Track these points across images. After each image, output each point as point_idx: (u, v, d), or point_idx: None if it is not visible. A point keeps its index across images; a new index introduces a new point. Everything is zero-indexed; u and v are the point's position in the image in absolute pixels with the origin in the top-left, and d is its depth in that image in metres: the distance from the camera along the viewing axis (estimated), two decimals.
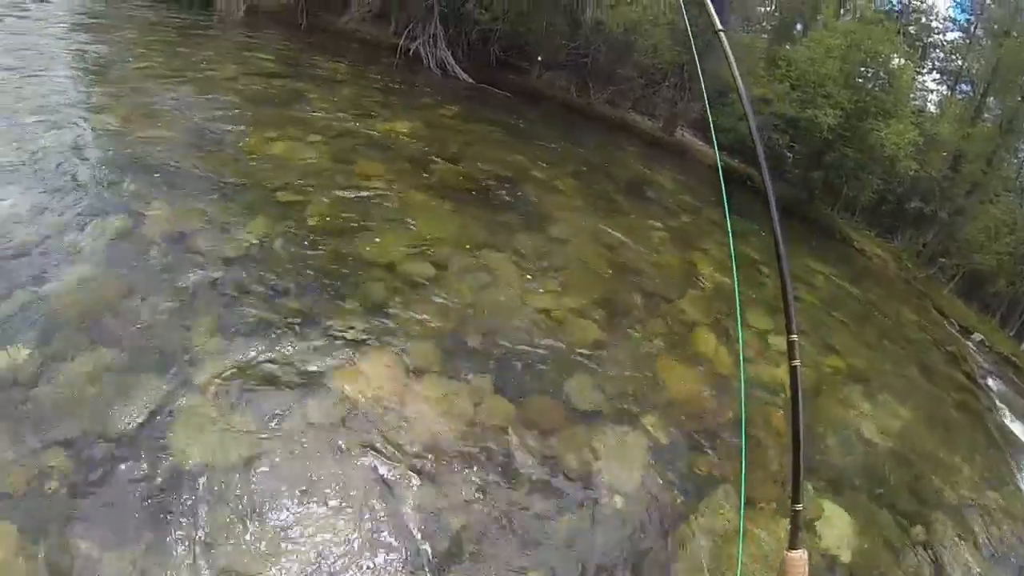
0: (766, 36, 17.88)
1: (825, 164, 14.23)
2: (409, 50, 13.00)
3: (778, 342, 6.70)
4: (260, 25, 12.83)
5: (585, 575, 3.12)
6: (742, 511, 3.27)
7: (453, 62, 13.27)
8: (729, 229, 1.72)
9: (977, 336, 14.41)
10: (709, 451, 4.11)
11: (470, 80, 13.27)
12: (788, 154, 13.59)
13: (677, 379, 4.99)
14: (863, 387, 6.82)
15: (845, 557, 4.19)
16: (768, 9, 19.03)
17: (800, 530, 1.28)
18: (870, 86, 13.69)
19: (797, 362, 1.33)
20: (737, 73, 1.49)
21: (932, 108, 18.91)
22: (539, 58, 14.52)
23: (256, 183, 5.44)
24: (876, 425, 6.10)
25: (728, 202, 1.73)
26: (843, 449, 5.44)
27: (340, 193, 5.79)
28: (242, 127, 6.52)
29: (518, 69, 14.82)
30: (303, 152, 6.35)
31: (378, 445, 3.31)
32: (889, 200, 17.46)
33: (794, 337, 1.35)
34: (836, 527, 4.38)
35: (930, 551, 4.80)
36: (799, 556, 1.23)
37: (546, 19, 13.97)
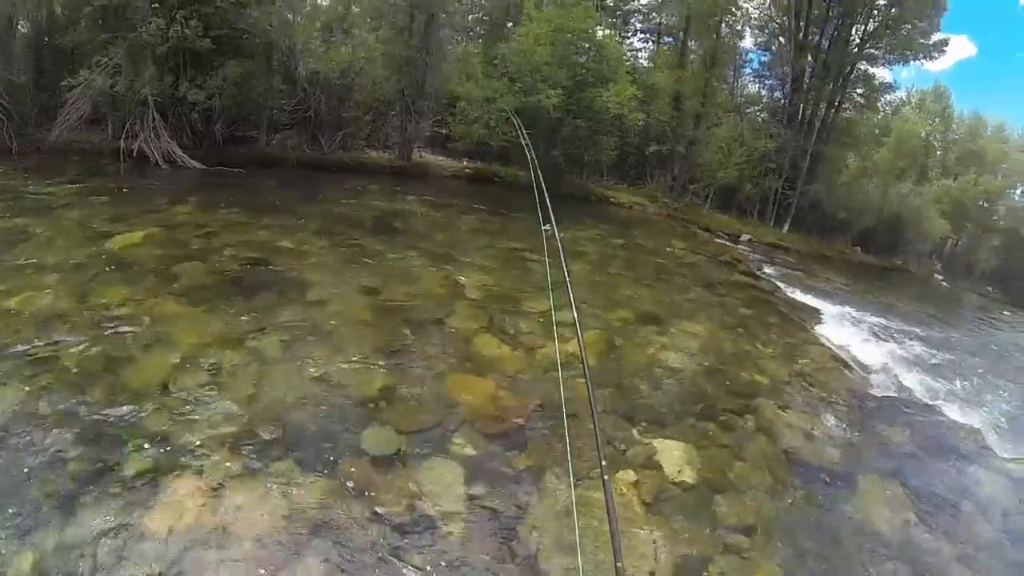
0: (480, 40, 19.00)
1: (561, 139, 15.47)
2: (132, 151, 11.72)
3: (562, 317, 7.01)
4: None
5: None
6: (572, 485, 3.35)
7: (180, 152, 12.28)
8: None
9: (744, 236, 16.64)
10: (526, 445, 4.17)
11: (201, 166, 12.38)
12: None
13: (471, 391, 5.02)
14: (656, 326, 7.38)
15: (690, 477, 4.45)
16: (477, 16, 20.27)
17: None
18: (583, 60, 15.16)
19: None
20: None
21: (645, 63, 21.57)
22: (265, 123, 14.10)
23: None
24: (677, 353, 6.63)
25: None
26: (654, 386, 5.81)
27: (91, 331, 5.03)
28: None
29: (247, 140, 14.23)
30: (40, 299, 5.41)
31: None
32: (630, 152, 19.61)
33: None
34: (672, 456, 4.63)
35: (763, 433, 5.30)
36: None
37: (261, 83, 13.53)
